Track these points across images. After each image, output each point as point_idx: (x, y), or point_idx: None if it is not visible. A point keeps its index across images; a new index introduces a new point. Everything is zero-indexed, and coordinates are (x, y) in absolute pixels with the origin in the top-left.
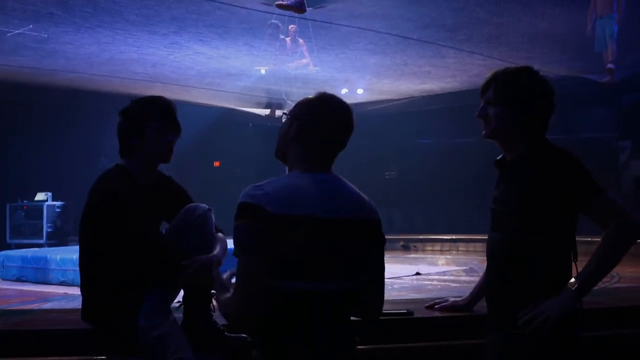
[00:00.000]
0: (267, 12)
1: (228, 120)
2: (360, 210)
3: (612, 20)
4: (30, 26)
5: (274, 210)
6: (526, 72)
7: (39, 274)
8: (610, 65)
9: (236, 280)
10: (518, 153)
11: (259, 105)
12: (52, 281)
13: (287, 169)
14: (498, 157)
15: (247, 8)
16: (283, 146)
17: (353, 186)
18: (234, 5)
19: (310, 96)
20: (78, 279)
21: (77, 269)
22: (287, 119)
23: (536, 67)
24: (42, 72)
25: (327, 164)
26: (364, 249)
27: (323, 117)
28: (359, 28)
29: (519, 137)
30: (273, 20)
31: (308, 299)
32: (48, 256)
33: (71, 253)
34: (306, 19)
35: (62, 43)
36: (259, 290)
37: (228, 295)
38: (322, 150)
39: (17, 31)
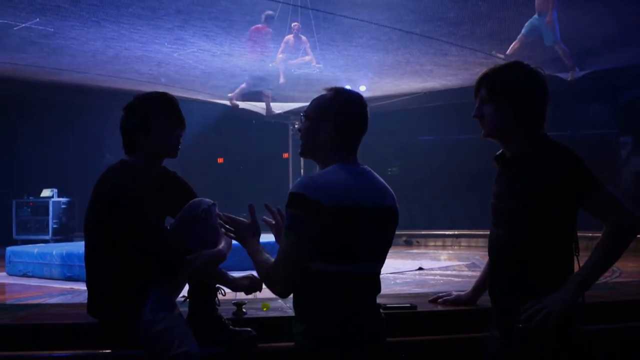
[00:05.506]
0: (271, 0)
1: (231, 117)
2: (390, 198)
3: (543, 19)
4: (37, 19)
5: (325, 202)
6: (515, 66)
7: (45, 269)
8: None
9: (278, 257)
10: (517, 149)
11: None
12: (58, 277)
13: (318, 165)
14: (497, 153)
15: None
16: (312, 146)
17: (379, 176)
18: None
19: (324, 94)
20: (84, 275)
21: (83, 264)
22: (307, 119)
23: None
24: (48, 71)
25: (356, 154)
26: (392, 232)
27: (346, 112)
28: (362, 20)
29: (517, 132)
30: (269, 12)
31: (352, 280)
32: (54, 252)
33: (77, 248)
34: (308, 8)
35: (67, 39)
36: (295, 271)
37: (268, 262)
38: (351, 143)
39: (23, 24)
